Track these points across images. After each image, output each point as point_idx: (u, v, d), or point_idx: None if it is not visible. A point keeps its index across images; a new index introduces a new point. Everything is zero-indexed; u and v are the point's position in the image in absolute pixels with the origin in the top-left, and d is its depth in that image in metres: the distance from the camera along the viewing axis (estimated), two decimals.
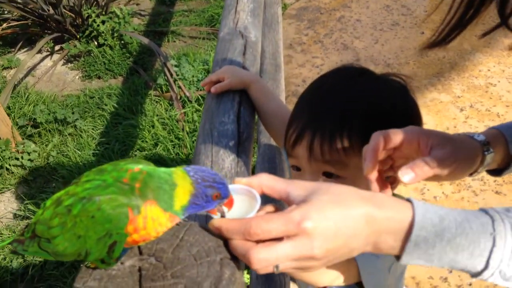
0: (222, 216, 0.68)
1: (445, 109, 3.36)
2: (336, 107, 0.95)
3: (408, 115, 0.98)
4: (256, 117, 1.40)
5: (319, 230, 0.59)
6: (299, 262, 0.61)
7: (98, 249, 0.64)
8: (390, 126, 0.93)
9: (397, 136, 0.79)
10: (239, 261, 0.68)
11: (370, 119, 0.93)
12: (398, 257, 0.63)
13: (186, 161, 2.86)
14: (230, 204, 0.68)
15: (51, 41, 4.33)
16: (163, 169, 0.67)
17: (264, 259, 0.60)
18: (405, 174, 0.75)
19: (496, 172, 0.91)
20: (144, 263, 0.69)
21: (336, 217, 0.60)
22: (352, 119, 0.93)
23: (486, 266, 0.61)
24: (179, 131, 3.08)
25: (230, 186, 0.69)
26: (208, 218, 0.71)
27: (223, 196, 0.66)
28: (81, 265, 0.70)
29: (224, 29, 1.71)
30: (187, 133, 3.04)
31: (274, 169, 2.32)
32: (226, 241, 0.67)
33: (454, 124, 3.22)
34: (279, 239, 0.60)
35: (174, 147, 3.00)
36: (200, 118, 3.21)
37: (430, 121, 3.25)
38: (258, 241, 0.61)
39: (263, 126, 1.43)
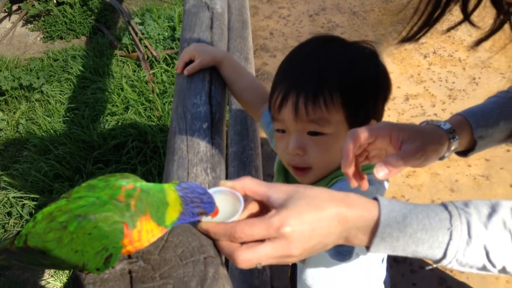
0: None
1: (409, 57, 3.43)
2: (314, 70, 1.02)
3: (379, 78, 1.07)
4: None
5: (296, 234, 0.66)
6: (278, 259, 0.69)
7: (95, 262, 0.69)
8: (363, 86, 1.03)
9: (364, 134, 0.85)
10: (221, 256, 0.75)
11: (345, 80, 1.02)
12: (367, 248, 0.72)
13: (159, 124, 2.88)
14: (214, 214, 0.74)
15: (8, 1, 4.15)
16: (157, 186, 0.72)
17: (248, 259, 0.68)
18: (380, 171, 0.81)
19: (462, 153, 0.99)
20: (133, 266, 0.75)
21: (311, 220, 0.67)
22: (329, 80, 1.01)
23: (444, 256, 0.69)
24: (149, 93, 3.07)
25: (216, 188, 0.76)
26: None
27: (208, 212, 0.73)
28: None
29: (189, 0, 1.70)
30: (158, 95, 3.03)
31: (246, 130, 2.37)
32: (213, 240, 0.74)
33: (418, 72, 3.31)
34: (261, 240, 0.68)
35: (145, 110, 3.00)
36: (169, 78, 3.20)
37: (395, 69, 3.33)
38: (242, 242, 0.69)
39: (237, 101, 1.47)
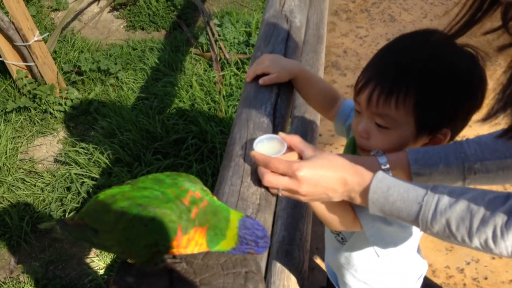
0: None
1: (486, 96, 3.29)
2: (400, 67, 1.02)
3: (469, 88, 1.02)
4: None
5: (305, 179, 0.92)
6: (290, 192, 0.95)
7: (142, 254, 0.71)
8: (446, 94, 1.00)
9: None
10: (262, 274, 0.75)
11: (428, 84, 0.99)
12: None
13: (220, 125, 2.92)
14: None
15: None
16: (224, 212, 0.74)
17: (270, 181, 0.95)
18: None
19: None
20: (176, 266, 0.76)
21: (320, 175, 0.92)
22: (411, 79, 0.99)
23: (417, 224, 0.88)
24: (215, 94, 3.13)
25: (273, 135, 1.05)
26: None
27: (258, 253, 0.76)
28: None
29: (269, 10, 1.71)
30: (224, 97, 3.08)
31: None
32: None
33: None
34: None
35: (209, 110, 3.06)
36: (237, 82, 3.24)
37: None
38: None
39: (308, 104, 1.49)
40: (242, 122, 1.29)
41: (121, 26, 4.25)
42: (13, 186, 2.91)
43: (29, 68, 3.37)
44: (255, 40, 3.43)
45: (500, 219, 0.80)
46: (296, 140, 1.01)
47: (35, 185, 2.92)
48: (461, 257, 2.33)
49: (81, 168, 2.92)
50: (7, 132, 3.21)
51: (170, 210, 0.69)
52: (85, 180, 2.85)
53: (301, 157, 0.99)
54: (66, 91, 3.46)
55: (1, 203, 2.83)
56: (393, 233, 1.12)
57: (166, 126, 2.97)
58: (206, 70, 3.47)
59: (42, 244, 2.67)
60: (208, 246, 0.72)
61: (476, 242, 0.83)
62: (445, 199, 0.85)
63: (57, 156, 3.14)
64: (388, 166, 0.99)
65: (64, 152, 3.08)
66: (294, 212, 2.10)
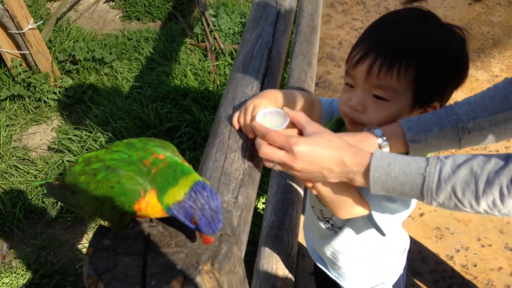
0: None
1: (480, 88, 3.29)
2: (402, 39, 1.04)
3: (459, 65, 1.07)
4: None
5: (301, 155, 0.91)
6: (284, 167, 0.95)
7: (111, 215, 0.72)
8: (441, 69, 1.05)
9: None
10: (237, 238, 0.76)
11: (427, 59, 1.03)
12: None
13: (213, 114, 2.92)
14: (206, 241, 0.72)
15: None
16: (186, 167, 0.72)
17: (266, 152, 0.95)
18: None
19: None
20: (153, 229, 0.77)
21: (316, 153, 0.91)
22: (413, 53, 1.02)
23: (422, 196, 0.87)
24: (209, 84, 3.14)
25: (278, 110, 1.04)
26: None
27: (200, 229, 0.70)
28: (100, 224, 0.78)
29: None
30: (218, 86, 3.09)
31: None
32: None
33: None
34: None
35: (203, 99, 3.06)
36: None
37: (462, 97, 3.20)
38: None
39: None
40: (228, 101, 1.30)
41: (117, 17, 4.24)
42: (6, 173, 2.92)
43: (23, 56, 3.37)
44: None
45: (505, 177, 0.80)
46: (299, 116, 1.00)
47: (28, 172, 2.93)
48: (450, 244, 2.34)
49: (74, 155, 2.93)
50: (1, 120, 3.22)
51: (132, 172, 0.69)
52: None
53: (301, 134, 0.98)
54: (60, 80, 3.46)
55: None
56: (395, 209, 1.13)
57: (159, 115, 2.97)
58: (200, 60, 3.48)
59: (35, 230, 2.68)
60: (158, 199, 0.70)
61: (483, 204, 0.83)
62: (448, 167, 0.85)
63: (50, 144, 3.14)
64: (385, 138, 1.00)
65: (58, 140, 3.08)
66: (284, 198, 2.11)
